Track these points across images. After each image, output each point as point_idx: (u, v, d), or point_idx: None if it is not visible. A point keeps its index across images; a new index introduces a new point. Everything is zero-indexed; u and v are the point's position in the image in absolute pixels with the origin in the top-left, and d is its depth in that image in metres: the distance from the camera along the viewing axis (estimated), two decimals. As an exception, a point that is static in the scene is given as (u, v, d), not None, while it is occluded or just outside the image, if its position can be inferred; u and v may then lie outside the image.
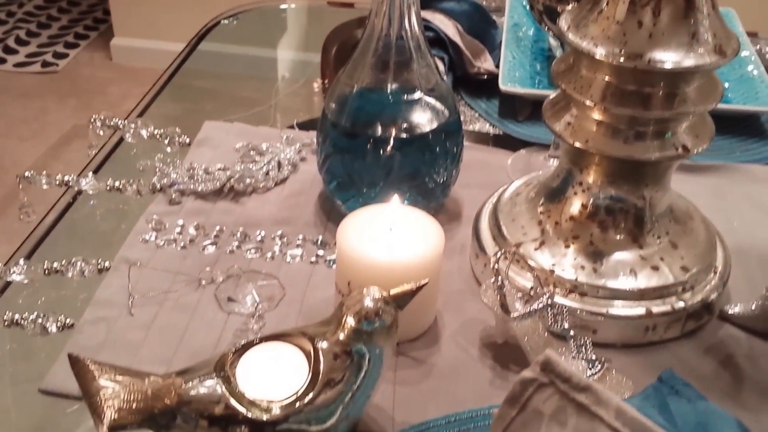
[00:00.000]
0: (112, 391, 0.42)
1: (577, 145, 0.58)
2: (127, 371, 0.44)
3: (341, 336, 0.47)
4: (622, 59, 0.53)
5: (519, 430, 0.37)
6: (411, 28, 0.64)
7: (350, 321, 0.47)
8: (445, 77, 0.88)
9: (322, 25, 1.14)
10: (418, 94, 0.67)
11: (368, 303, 0.48)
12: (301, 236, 0.69)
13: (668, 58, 0.53)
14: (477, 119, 0.89)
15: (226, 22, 1.12)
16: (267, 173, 0.76)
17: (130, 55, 2.61)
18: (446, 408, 0.54)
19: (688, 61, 0.53)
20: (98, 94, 2.50)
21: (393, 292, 0.49)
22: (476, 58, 0.93)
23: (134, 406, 0.42)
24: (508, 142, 0.84)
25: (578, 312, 0.59)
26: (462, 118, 0.88)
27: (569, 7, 0.68)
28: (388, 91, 0.67)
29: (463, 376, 0.57)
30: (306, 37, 1.17)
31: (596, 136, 0.58)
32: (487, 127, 0.88)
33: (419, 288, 0.50)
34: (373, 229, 0.58)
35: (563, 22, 0.58)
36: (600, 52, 0.54)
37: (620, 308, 0.59)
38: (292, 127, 0.85)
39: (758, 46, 1.04)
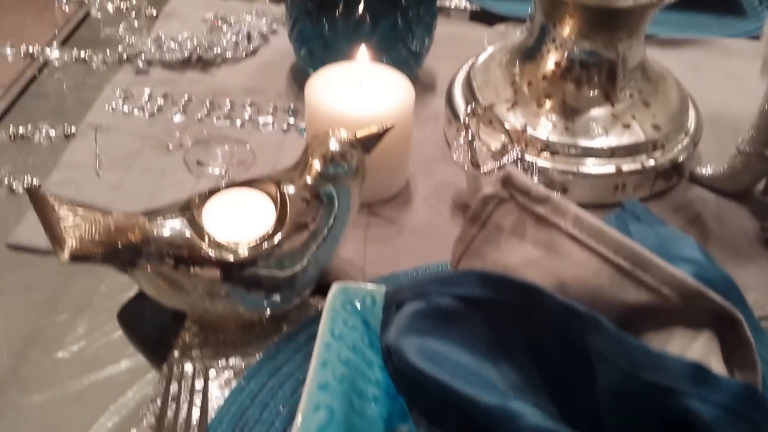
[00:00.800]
0: (73, 222, 0.41)
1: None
2: (90, 207, 0.43)
3: (308, 179, 0.47)
4: None
5: (480, 247, 0.37)
6: None
7: (316, 164, 0.47)
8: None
9: None
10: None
11: (334, 145, 0.47)
12: (272, 104, 0.68)
13: None
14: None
15: None
16: (236, 44, 0.74)
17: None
18: (417, 262, 0.54)
19: None
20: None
21: (359, 134, 0.48)
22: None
23: (97, 238, 0.42)
24: (486, 18, 0.83)
25: (549, 171, 0.58)
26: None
27: None
28: (359, -48, 0.65)
29: (435, 233, 0.57)
30: None
31: (571, -17, 0.56)
32: (464, 3, 0.86)
33: (385, 131, 0.49)
34: (342, 85, 0.57)
35: None
36: None
37: (591, 166, 0.58)
38: None
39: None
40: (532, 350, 0.35)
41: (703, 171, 0.61)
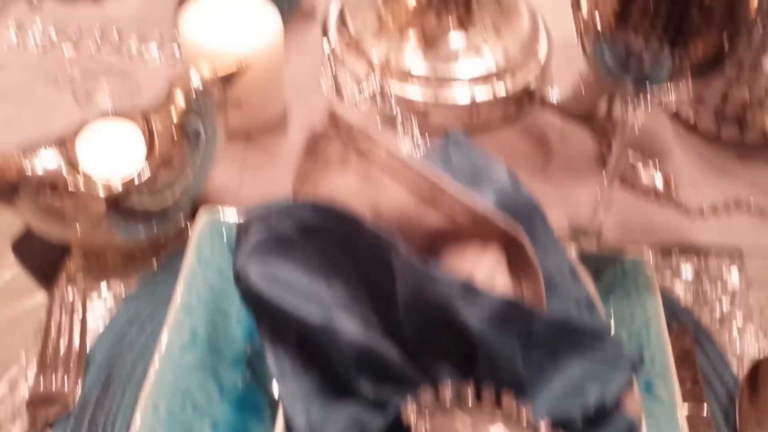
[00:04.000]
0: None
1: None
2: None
3: (173, 114, 0.50)
4: None
5: (313, 179, 0.41)
6: None
7: (179, 98, 0.50)
8: None
9: None
10: None
11: (196, 82, 0.50)
12: (159, 35, 0.69)
13: None
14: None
15: None
16: (126, -25, 0.75)
17: None
18: (288, 189, 0.57)
19: None
20: None
21: (219, 72, 0.51)
22: None
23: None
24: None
25: (411, 99, 0.62)
26: None
27: None
28: None
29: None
30: None
31: None
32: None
33: (244, 69, 0.52)
34: (213, 20, 0.59)
35: None
36: None
37: (447, 93, 0.62)
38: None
39: None
40: (356, 268, 0.40)
41: (552, 96, 0.66)
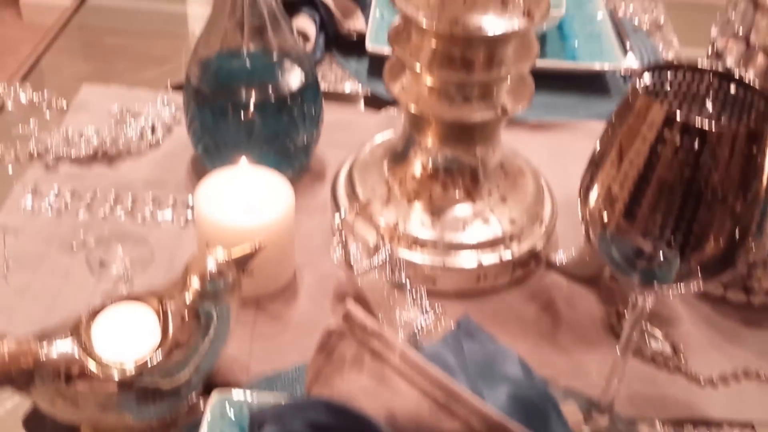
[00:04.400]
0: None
1: (411, 108, 0.61)
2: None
3: (187, 297, 0.50)
4: (441, 26, 0.56)
5: (327, 375, 0.41)
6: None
7: (195, 282, 0.50)
8: (313, 40, 0.90)
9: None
10: (274, 58, 0.69)
11: (211, 264, 0.51)
12: (172, 198, 0.71)
13: (482, 22, 0.56)
14: (348, 78, 0.91)
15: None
16: (141, 136, 0.77)
17: (40, 13, 2.50)
18: (300, 359, 0.58)
19: (500, 25, 0.56)
20: (10, 54, 2.40)
21: (234, 254, 0.52)
22: (348, 17, 0.95)
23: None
24: (378, 102, 0.87)
25: (419, 265, 0.63)
26: (333, 78, 0.91)
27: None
28: (245, 55, 0.69)
29: (317, 328, 0.60)
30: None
31: (427, 100, 0.61)
32: (358, 87, 0.90)
33: (258, 250, 0.53)
34: (226, 193, 0.61)
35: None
36: (422, 19, 0.57)
37: (455, 260, 0.63)
38: (167, 87, 0.85)
39: (613, 4, 1.09)
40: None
41: (557, 258, 0.67)
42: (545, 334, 0.61)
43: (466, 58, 0.58)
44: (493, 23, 0.56)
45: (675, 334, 0.61)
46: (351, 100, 0.88)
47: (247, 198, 0.60)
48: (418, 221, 0.64)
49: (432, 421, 0.39)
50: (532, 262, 0.66)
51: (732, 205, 0.39)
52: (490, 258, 0.63)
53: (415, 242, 0.63)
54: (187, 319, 0.50)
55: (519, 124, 0.82)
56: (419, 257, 0.63)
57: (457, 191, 0.65)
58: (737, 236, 0.41)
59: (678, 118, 0.38)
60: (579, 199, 0.45)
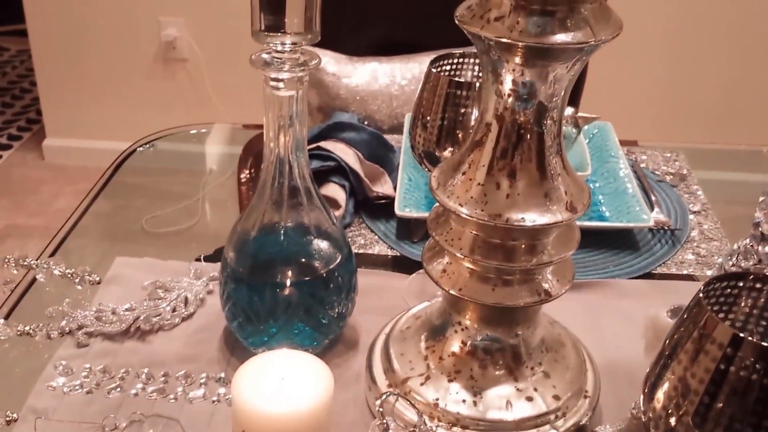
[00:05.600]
0: None
1: (451, 292, 0.61)
2: None
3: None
4: (483, 218, 0.56)
5: None
6: (301, 176, 0.67)
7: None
8: (343, 206, 0.91)
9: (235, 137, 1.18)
10: (310, 236, 0.69)
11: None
12: (204, 375, 0.70)
13: (525, 217, 0.56)
14: (377, 241, 0.91)
15: (141, 149, 1.13)
16: (174, 310, 0.77)
17: (62, 155, 2.58)
18: None
19: (543, 219, 0.56)
20: (30, 194, 2.46)
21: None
22: (375, 183, 0.97)
23: None
24: (407, 264, 0.87)
25: (462, 445, 0.60)
26: (363, 241, 0.91)
27: (446, 152, 0.72)
28: (282, 233, 0.69)
29: None
30: (230, 136, 1.20)
31: (468, 284, 0.60)
32: (386, 249, 0.90)
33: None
34: (265, 380, 0.59)
35: (433, 181, 0.61)
36: (464, 212, 0.57)
37: (499, 442, 0.61)
38: (199, 259, 0.86)
39: (633, 156, 1.10)
40: None
41: (603, 432, 0.64)
42: None
43: (507, 246, 0.58)
44: (535, 217, 0.56)
45: None
46: (380, 262, 0.88)
47: (285, 384, 0.59)
48: (458, 399, 0.62)
49: None
50: (578, 438, 0.63)
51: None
52: (534, 435, 0.61)
53: (457, 421, 0.61)
54: None
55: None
56: (461, 437, 0.61)
57: (498, 370, 0.63)
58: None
59: (745, 339, 0.37)
60: (642, 395, 0.43)
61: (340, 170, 0.94)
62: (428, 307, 0.71)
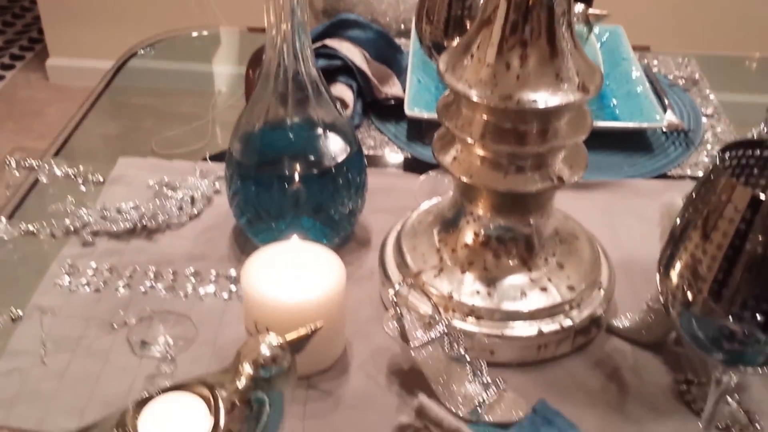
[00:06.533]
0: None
1: (463, 179, 0.58)
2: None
3: (239, 384, 0.46)
4: (494, 101, 0.53)
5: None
6: (306, 66, 0.64)
7: (247, 369, 0.47)
8: (351, 107, 0.88)
9: (242, 46, 1.13)
10: (318, 130, 0.66)
11: (264, 350, 0.47)
12: (214, 272, 0.68)
13: (536, 98, 0.53)
14: (387, 143, 0.88)
15: (142, 51, 1.09)
16: (180, 208, 0.74)
17: (67, 75, 2.53)
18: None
19: (555, 100, 0.54)
20: (36, 116, 2.42)
21: (288, 338, 0.48)
22: (384, 84, 0.93)
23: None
24: (418, 165, 0.84)
25: (476, 335, 0.59)
26: (372, 143, 0.88)
27: (455, 42, 0.68)
28: (289, 128, 0.66)
29: (371, 405, 0.57)
30: (238, 54, 1.15)
31: (480, 171, 0.58)
32: (396, 151, 0.87)
33: (314, 332, 0.49)
34: (275, 269, 0.57)
35: (441, 65, 0.57)
36: (474, 94, 0.54)
37: (514, 329, 0.59)
38: (205, 159, 0.83)
39: (645, 61, 1.06)
40: None
41: (619, 324, 0.62)
42: (613, 404, 0.57)
43: (519, 130, 0.56)
44: (546, 97, 0.53)
45: (748, 401, 0.56)
46: (391, 164, 0.86)
47: (296, 274, 0.57)
48: (472, 291, 0.60)
49: None
50: (593, 328, 0.61)
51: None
52: (549, 326, 0.59)
53: (471, 312, 0.59)
54: (238, 408, 0.46)
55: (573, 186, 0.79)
56: (476, 328, 0.59)
57: (511, 260, 0.61)
58: None
59: (765, 201, 0.34)
60: (658, 274, 0.41)
61: (347, 70, 0.90)
62: (440, 202, 0.69)
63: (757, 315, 0.37)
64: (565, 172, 0.58)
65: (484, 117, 0.56)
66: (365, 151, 0.86)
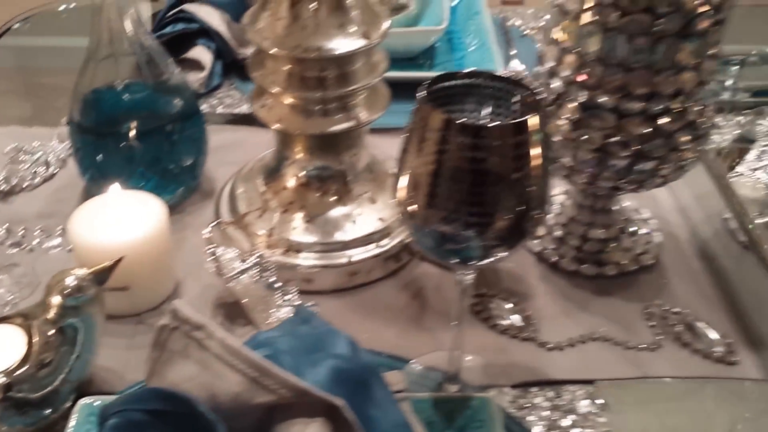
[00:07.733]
0: None
1: (275, 126, 0.65)
2: None
3: (50, 314, 0.53)
4: (286, 51, 0.60)
5: (161, 368, 0.44)
6: (138, 30, 0.69)
7: (55, 299, 0.53)
8: (208, 68, 0.94)
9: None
10: (150, 91, 0.72)
11: (70, 281, 0.54)
12: (61, 227, 0.74)
13: (323, 45, 0.60)
14: (246, 100, 0.95)
15: (17, 26, 1.13)
16: (35, 172, 0.80)
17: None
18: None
19: (342, 47, 0.60)
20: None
21: (93, 269, 0.55)
22: (243, 45, 0.99)
23: None
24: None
25: (297, 267, 0.66)
26: (230, 101, 0.95)
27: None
28: (122, 89, 0.72)
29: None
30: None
31: (289, 117, 0.65)
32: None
33: (116, 263, 0.56)
34: (98, 217, 0.63)
35: (245, 20, 0.64)
36: (270, 45, 0.61)
37: (328, 260, 0.66)
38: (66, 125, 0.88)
39: (503, 15, 1.14)
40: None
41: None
42: (413, 318, 0.64)
43: (318, 77, 0.62)
44: (335, 45, 0.61)
45: (530, 308, 0.64)
46: (248, 121, 0.92)
47: (118, 218, 0.63)
48: (294, 227, 0.67)
49: (248, 396, 0.42)
50: (403, 254, 0.69)
51: (511, 185, 0.43)
52: (361, 255, 0.67)
53: (292, 247, 0.67)
54: (53, 336, 0.53)
55: (388, 131, 0.85)
56: (298, 260, 0.66)
57: (327, 197, 0.68)
58: (522, 210, 0.44)
59: (455, 121, 0.42)
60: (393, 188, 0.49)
61: (206, 32, 0.96)
62: (272, 151, 0.76)
63: (463, 217, 0.45)
64: (363, 113, 0.65)
65: (286, 67, 0.63)
66: (224, 109, 0.93)
